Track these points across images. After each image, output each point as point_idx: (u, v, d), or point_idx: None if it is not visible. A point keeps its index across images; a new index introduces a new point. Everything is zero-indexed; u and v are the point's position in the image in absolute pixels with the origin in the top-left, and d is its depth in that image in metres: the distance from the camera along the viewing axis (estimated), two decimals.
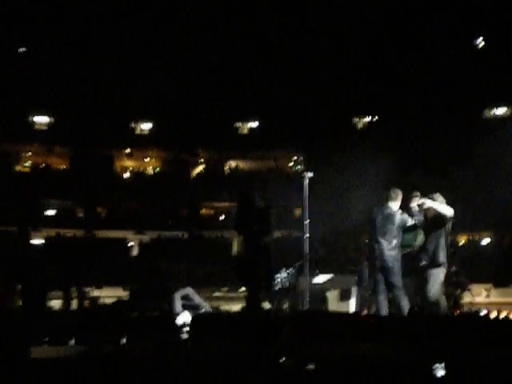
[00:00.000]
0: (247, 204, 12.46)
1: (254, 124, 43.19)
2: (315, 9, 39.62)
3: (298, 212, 42.20)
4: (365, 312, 14.31)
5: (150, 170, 43.33)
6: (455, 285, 22.69)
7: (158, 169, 43.32)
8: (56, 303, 30.66)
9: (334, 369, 8.48)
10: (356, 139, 39.08)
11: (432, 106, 39.45)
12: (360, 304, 15.12)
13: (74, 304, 31.69)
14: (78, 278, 30.93)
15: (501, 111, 41.16)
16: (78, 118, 40.25)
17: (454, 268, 26.50)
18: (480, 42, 41.36)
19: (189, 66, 40.94)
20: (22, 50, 41.24)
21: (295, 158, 43.46)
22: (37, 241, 38.74)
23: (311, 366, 8.38)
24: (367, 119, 42.97)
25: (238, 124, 43.17)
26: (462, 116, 38.86)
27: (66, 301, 27.31)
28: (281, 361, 8.42)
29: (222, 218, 40.67)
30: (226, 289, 37.51)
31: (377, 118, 42.75)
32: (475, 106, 40.26)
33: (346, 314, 12.70)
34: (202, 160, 43.28)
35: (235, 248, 41.49)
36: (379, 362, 8.47)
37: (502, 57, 38.59)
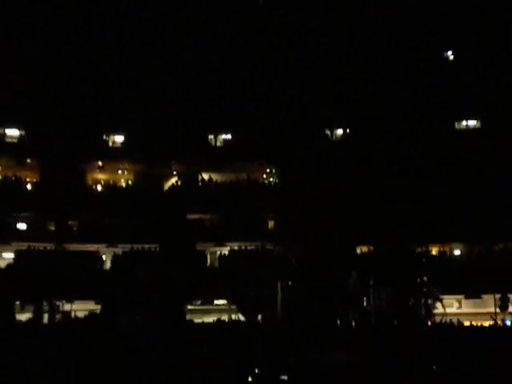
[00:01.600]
0: None
1: (227, 136, 43.17)
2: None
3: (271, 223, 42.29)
4: None
5: (122, 183, 43.02)
6: (427, 295, 22.87)
7: (130, 182, 43.01)
8: (27, 316, 30.47)
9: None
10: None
11: (407, 118, 39.76)
12: None
13: (45, 318, 31.43)
14: (50, 291, 30.67)
15: (472, 123, 41.48)
16: (49, 130, 39.92)
17: (425, 278, 26.67)
18: (449, 55, 41.91)
19: (162, 78, 40.93)
20: None
21: (268, 170, 43.46)
22: (8, 254, 38.36)
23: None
24: (340, 131, 43.09)
25: (211, 137, 43.15)
26: (435, 127, 39.32)
27: (38, 314, 27.09)
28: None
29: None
30: (199, 302, 37.51)
31: (348, 130, 42.92)
32: (447, 118, 40.70)
33: None
34: (175, 172, 43.07)
35: (209, 260, 41.48)
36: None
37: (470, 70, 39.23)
